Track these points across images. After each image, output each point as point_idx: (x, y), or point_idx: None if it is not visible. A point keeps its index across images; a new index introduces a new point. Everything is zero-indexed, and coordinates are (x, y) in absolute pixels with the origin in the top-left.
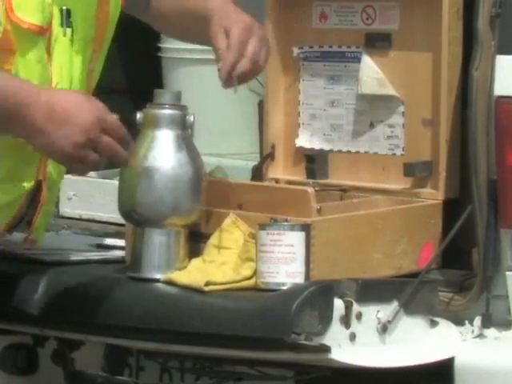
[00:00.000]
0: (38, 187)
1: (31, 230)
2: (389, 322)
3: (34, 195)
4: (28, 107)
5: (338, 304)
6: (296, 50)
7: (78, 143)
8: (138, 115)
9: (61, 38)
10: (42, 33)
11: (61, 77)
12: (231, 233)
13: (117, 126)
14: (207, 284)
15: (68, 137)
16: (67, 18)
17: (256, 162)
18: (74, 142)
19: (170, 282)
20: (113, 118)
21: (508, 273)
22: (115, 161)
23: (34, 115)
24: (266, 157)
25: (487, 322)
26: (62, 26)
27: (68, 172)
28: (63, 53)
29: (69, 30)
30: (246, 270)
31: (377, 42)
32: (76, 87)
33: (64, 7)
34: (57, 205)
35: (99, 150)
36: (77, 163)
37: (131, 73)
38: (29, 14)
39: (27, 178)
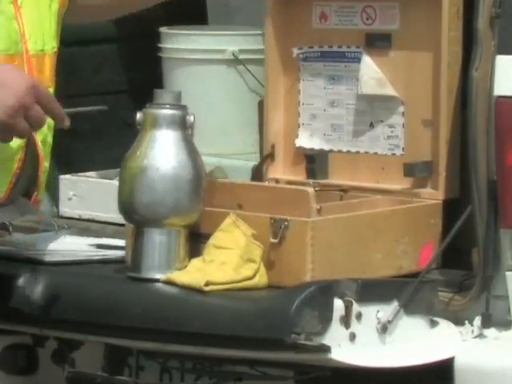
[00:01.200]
0: (33, 145)
1: (38, 188)
2: (389, 321)
3: (32, 153)
4: None
5: (338, 304)
6: (296, 51)
7: (11, 107)
8: (138, 115)
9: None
10: None
11: (32, 30)
12: (231, 233)
13: (49, 96)
14: (207, 284)
15: (1, 100)
16: None
17: (256, 162)
18: (6, 106)
19: (169, 282)
20: (46, 89)
21: (508, 273)
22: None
23: None
24: (266, 157)
25: (487, 322)
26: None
27: None
28: (31, 8)
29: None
30: (247, 271)
31: (377, 42)
32: (48, 40)
33: None
34: (57, 205)
35: (30, 119)
36: (6, 131)
37: (131, 73)
38: None
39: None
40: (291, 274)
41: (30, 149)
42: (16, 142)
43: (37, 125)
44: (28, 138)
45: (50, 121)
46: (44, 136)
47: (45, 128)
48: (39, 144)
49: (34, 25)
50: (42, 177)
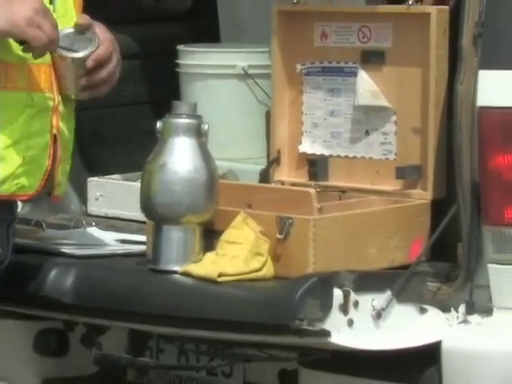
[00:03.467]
0: (54, 145)
1: (56, 187)
2: (383, 309)
3: (54, 155)
4: None
5: (337, 293)
6: (299, 66)
7: (39, 7)
8: (158, 124)
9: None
10: None
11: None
12: (241, 229)
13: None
14: (220, 275)
15: (17, 10)
16: None
17: (263, 166)
18: (35, 5)
19: (186, 274)
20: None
21: (489, 265)
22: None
23: None
24: (273, 161)
25: (471, 309)
26: (50, 3)
27: (25, 50)
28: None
29: (54, 8)
30: (256, 263)
31: (372, 59)
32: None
33: None
34: (85, 204)
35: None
36: (36, 29)
37: (152, 86)
38: None
39: (43, 133)
40: (295, 267)
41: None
42: (43, 140)
43: (51, 35)
44: (54, 138)
45: (71, 126)
46: (66, 141)
47: (67, 133)
48: (59, 147)
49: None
50: (60, 177)
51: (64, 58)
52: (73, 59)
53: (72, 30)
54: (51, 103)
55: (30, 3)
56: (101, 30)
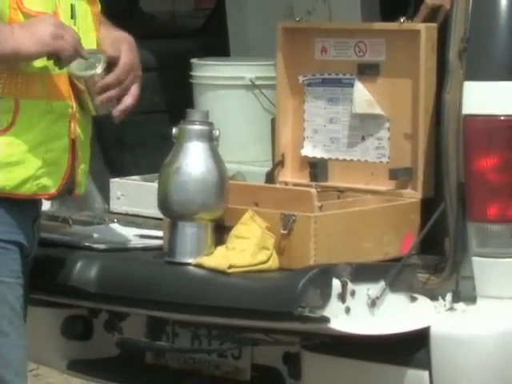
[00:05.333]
0: (73, 148)
1: (78, 186)
2: (377, 298)
3: (74, 158)
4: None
5: (336, 283)
6: (301, 78)
7: (56, 21)
8: (174, 130)
9: (72, 26)
10: None
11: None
12: (249, 225)
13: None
14: (230, 267)
15: (42, 28)
16: (73, 11)
17: (269, 168)
18: (52, 21)
19: (199, 266)
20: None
21: (473, 258)
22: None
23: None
24: (277, 164)
25: (457, 298)
26: (72, 18)
27: (56, 63)
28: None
29: (76, 22)
30: (262, 256)
31: (367, 71)
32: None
33: (71, 3)
34: (108, 203)
35: (67, 40)
36: (62, 40)
37: (168, 96)
38: (35, 5)
39: (62, 137)
40: (298, 259)
41: (72, 154)
42: (62, 143)
43: (74, 43)
44: (73, 143)
45: (87, 131)
46: (83, 144)
47: (83, 137)
48: (78, 148)
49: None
50: (80, 177)
51: (75, 76)
52: (83, 77)
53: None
54: (69, 110)
55: (47, 21)
56: (126, 47)
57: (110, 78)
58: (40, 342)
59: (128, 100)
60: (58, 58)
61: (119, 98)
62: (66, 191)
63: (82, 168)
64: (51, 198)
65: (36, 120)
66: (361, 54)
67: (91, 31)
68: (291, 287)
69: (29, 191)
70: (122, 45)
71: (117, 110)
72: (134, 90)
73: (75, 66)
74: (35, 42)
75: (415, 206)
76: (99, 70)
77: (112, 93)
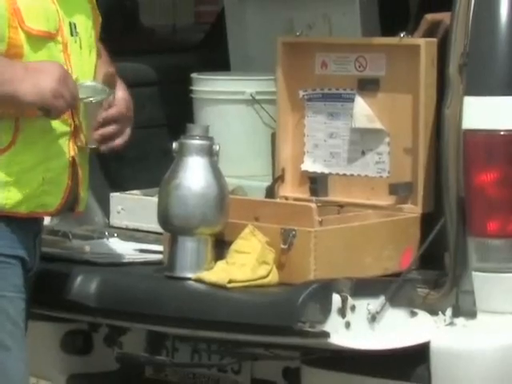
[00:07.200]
0: (73, 166)
1: (79, 203)
2: (377, 312)
3: (74, 176)
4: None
5: (336, 298)
6: (301, 92)
7: (61, 76)
8: (174, 145)
9: (73, 44)
10: (51, 37)
11: (77, 72)
12: (249, 240)
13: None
14: (230, 282)
15: (44, 84)
16: (75, 29)
17: (269, 183)
18: (57, 76)
19: (199, 280)
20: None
21: (473, 272)
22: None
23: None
24: (277, 178)
25: (457, 313)
26: (72, 35)
27: (46, 114)
28: (76, 55)
29: (77, 39)
30: (262, 271)
31: (367, 86)
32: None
33: (71, 21)
34: (108, 217)
35: (65, 99)
36: (60, 99)
37: (168, 110)
38: (38, 24)
39: (62, 155)
40: (298, 274)
41: (72, 173)
42: (62, 162)
43: (71, 103)
44: (72, 161)
45: (86, 150)
46: (82, 161)
47: (82, 155)
48: (78, 166)
49: (78, 68)
50: (82, 193)
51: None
52: (85, 104)
53: (89, 84)
54: (68, 129)
55: (54, 73)
56: (119, 87)
57: (113, 110)
58: (40, 357)
59: (119, 141)
60: (49, 112)
61: (111, 137)
62: (67, 208)
63: (83, 185)
64: (51, 215)
65: (36, 139)
66: (361, 68)
67: (92, 47)
68: (291, 302)
69: (26, 210)
70: (117, 80)
71: (106, 147)
72: (128, 132)
73: (81, 91)
74: (34, 93)
75: (415, 220)
76: (100, 97)
77: (110, 130)
